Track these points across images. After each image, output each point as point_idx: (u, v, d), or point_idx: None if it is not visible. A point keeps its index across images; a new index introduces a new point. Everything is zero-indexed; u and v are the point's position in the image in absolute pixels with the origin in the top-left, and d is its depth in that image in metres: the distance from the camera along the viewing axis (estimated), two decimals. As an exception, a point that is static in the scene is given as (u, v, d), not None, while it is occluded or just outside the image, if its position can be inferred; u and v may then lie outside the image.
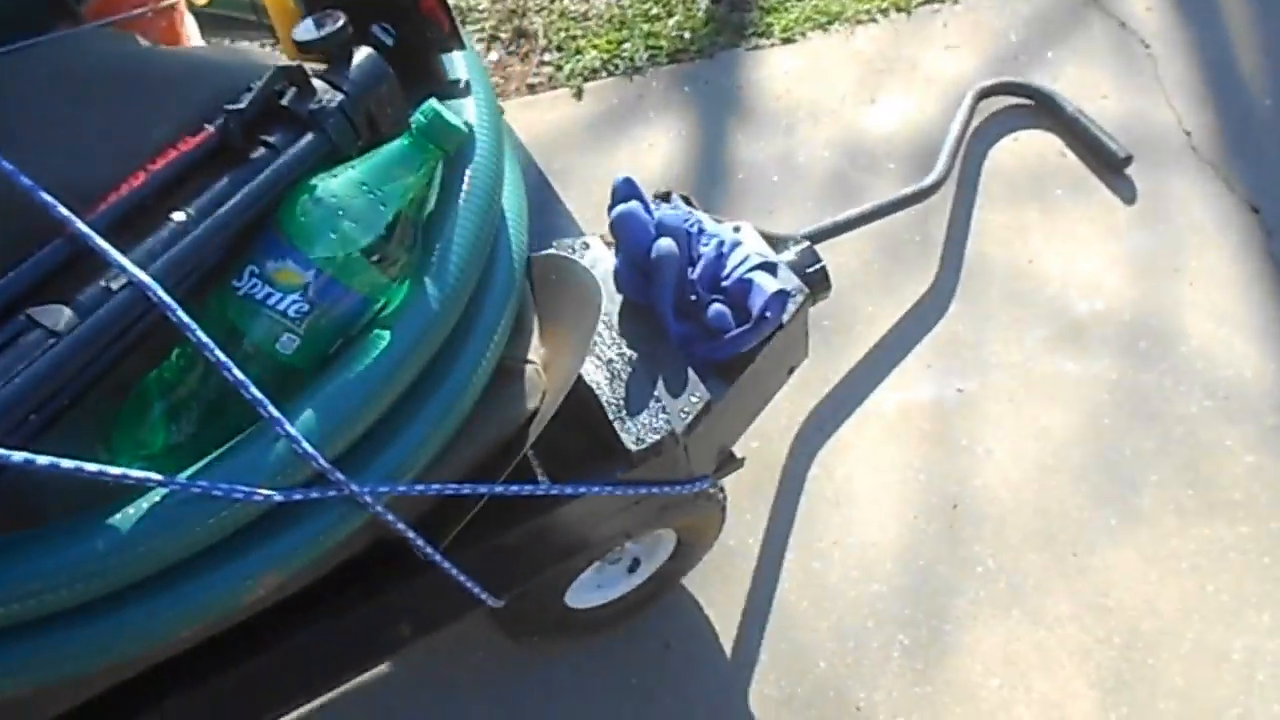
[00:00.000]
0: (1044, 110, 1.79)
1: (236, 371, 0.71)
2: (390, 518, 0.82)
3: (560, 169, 1.78)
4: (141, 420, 0.78)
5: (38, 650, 0.69)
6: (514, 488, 0.89)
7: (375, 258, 0.76)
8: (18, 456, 0.63)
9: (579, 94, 1.89)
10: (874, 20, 1.94)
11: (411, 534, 0.85)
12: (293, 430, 0.72)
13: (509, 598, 1.05)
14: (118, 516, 0.69)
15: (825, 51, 1.91)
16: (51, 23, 0.80)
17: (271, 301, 0.75)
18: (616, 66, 1.91)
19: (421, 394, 0.84)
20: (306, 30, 0.81)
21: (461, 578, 0.94)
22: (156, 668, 0.81)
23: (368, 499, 0.78)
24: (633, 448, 0.95)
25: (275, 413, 0.72)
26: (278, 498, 0.73)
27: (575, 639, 1.32)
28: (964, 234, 1.68)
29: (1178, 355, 1.55)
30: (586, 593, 1.28)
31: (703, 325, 0.99)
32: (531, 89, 1.92)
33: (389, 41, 0.88)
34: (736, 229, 1.10)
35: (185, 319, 0.69)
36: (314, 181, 0.76)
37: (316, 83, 0.79)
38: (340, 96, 0.78)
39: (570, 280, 1.01)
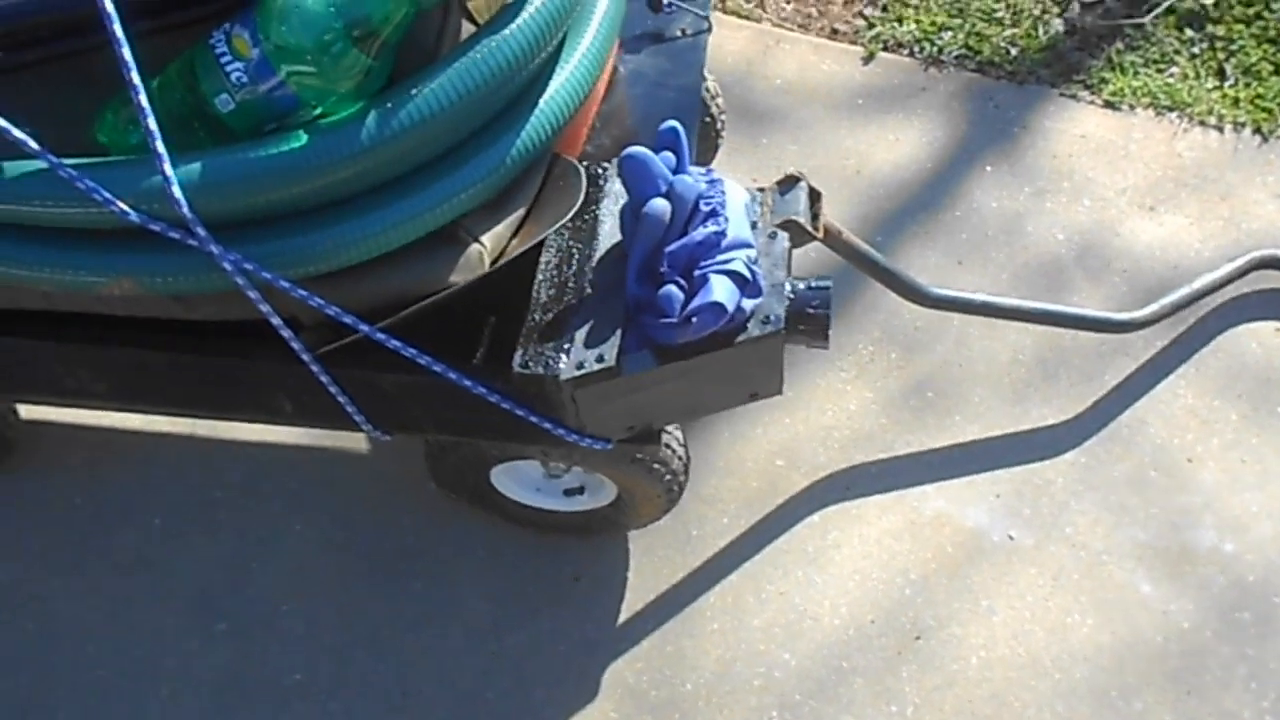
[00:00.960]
0: (1337, 318, 1.46)
1: (143, 98, 0.78)
2: (253, 294, 0.88)
3: (787, 115, 1.71)
4: (120, 110, 0.89)
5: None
6: (380, 337, 0.93)
7: (310, 66, 0.80)
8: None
9: (869, 58, 1.78)
10: (1219, 129, 1.65)
11: (274, 319, 0.91)
12: (169, 170, 0.80)
13: (390, 434, 1.11)
14: (6, 165, 0.80)
15: (1142, 135, 1.65)
16: None
17: (224, 61, 0.82)
18: (923, 49, 1.77)
19: (338, 211, 0.89)
20: None
21: (329, 386, 1.00)
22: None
23: (226, 264, 0.85)
24: (515, 366, 0.95)
25: (161, 149, 0.79)
26: (133, 217, 0.81)
27: (491, 519, 1.36)
28: (1139, 391, 1.44)
29: (1275, 649, 1.27)
30: (520, 487, 1.31)
31: (653, 299, 0.95)
32: (834, 34, 1.83)
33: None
34: (772, 235, 1.03)
35: (119, 35, 0.77)
36: (301, -26, 0.80)
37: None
38: (370, -87, 0.81)
39: (570, 187, 1.00)
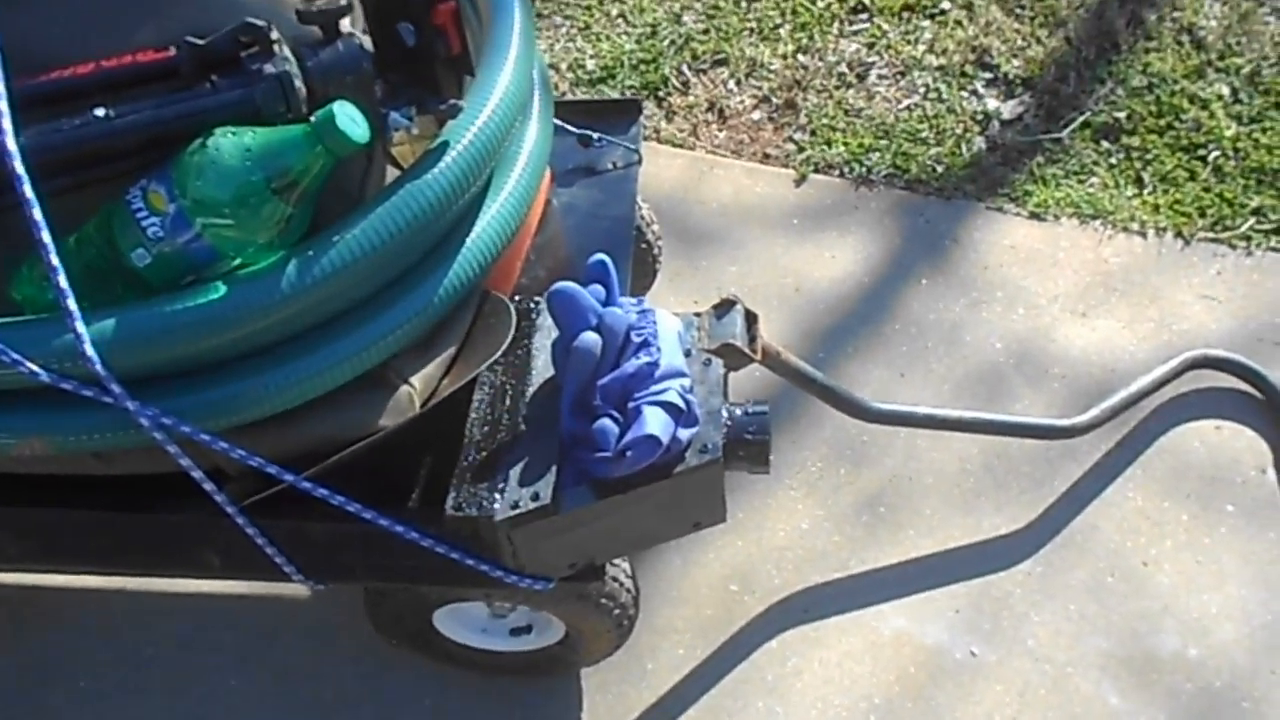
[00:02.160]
0: (1271, 412, 1.48)
1: (54, 257, 0.77)
2: (172, 449, 0.86)
3: (725, 237, 1.73)
4: (36, 268, 0.88)
5: None
6: (307, 486, 0.90)
7: (227, 219, 0.79)
8: None
9: (801, 180, 1.83)
10: (1142, 234, 1.69)
11: (195, 473, 0.89)
12: (80, 328, 0.78)
13: (324, 583, 1.07)
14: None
15: (1068, 245, 1.70)
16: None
17: (140, 216, 0.81)
18: (852, 169, 1.82)
19: (259, 360, 0.87)
20: (309, 1, 0.85)
21: (256, 538, 0.96)
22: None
23: (143, 420, 0.83)
24: (448, 509, 0.93)
25: (72, 306, 0.78)
26: (44, 377, 0.79)
27: (437, 663, 1.31)
28: (1088, 496, 1.43)
29: (1262, 761, 1.24)
30: (465, 629, 1.26)
31: (587, 433, 0.93)
32: (766, 158, 1.88)
33: (409, 41, 0.90)
34: (707, 362, 1.02)
35: (29, 195, 0.76)
36: (216, 131, 0.80)
37: (284, 49, 0.84)
38: (287, 69, 0.82)
39: (500, 324, 0.99)
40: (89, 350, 0.78)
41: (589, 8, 2.10)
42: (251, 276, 0.83)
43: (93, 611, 1.40)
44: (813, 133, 1.89)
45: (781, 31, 2.06)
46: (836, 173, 1.83)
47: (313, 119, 0.79)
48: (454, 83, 0.93)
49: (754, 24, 2.08)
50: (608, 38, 2.05)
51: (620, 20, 2.08)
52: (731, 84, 1.99)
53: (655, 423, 0.91)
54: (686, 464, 0.95)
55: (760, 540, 1.43)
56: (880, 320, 1.64)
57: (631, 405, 0.94)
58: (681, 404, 0.94)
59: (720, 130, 1.93)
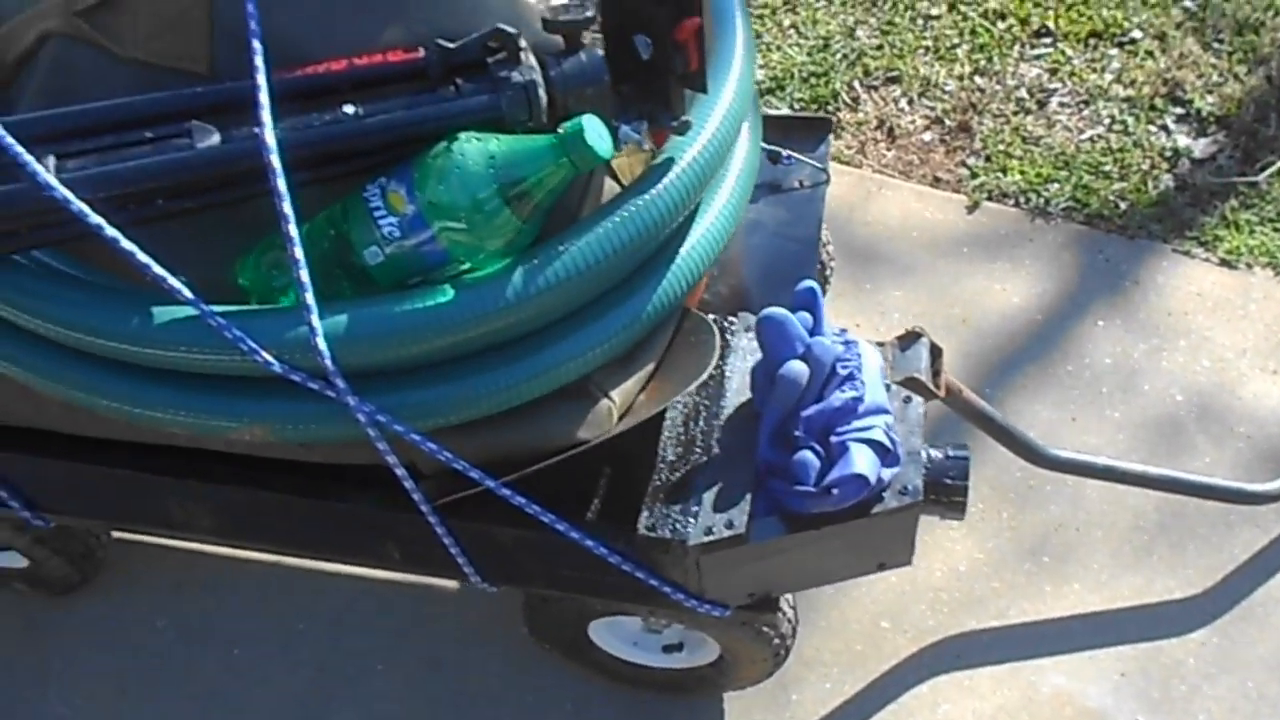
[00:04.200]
0: None
1: (299, 251, 0.78)
2: (381, 446, 0.86)
3: (891, 260, 1.69)
4: (265, 253, 0.89)
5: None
6: (505, 492, 0.90)
7: (464, 224, 0.79)
8: (109, 231, 0.75)
9: (974, 207, 1.77)
10: (1346, 292, 1.59)
11: (399, 470, 0.89)
12: (316, 323, 0.79)
13: (499, 586, 1.07)
14: (162, 311, 0.80)
15: (1261, 296, 1.60)
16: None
17: (377, 214, 0.82)
18: (1028, 199, 1.76)
19: (472, 364, 0.87)
20: (554, 10, 0.85)
21: (444, 537, 0.97)
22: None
23: (360, 416, 0.83)
24: (641, 529, 0.91)
25: (311, 301, 0.79)
26: (276, 368, 0.80)
27: (582, 671, 1.30)
28: (1271, 567, 1.35)
29: None
30: (618, 640, 1.25)
31: (786, 465, 0.91)
32: (936, 181, 1.82)
33: (644, 54, 0.89)
34: (907, 399, 0.99)
35: (281, 189, 0.77)
36: (460, 135, 0.80)
37: (529, 57, 0.83)
38: (532, 78, 0.81)
39: (702, 346, 0.98)
40: (322, 346, 0.79)
41: (761, 17, 2.07)
42: (479, 283, 0.83)
43: (247, 583, 1.43)
44: (987, 158, 1.83)
45: (958, 51, 1.99)
46: (1011, 202, 1.77)
47: (560, 131, 0.79)
48: (682, 97, 0.92)
49: (930, 42, 2.02)
50: (779, 48, 2.01)
51: (792, 31, 2.04)
52: (903, 103, 1.94)
53: (863, 462, 0.88)
54: (885, 505, 0.92)
55: (915, 578, 1.39)
56: (1052, 359, 1.57)
57: (835, 440, 0.91)
58: (887, 443, 0.91)
59: (889, 149, 1.88)
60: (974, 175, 1.81)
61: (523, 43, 0.82)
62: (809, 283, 0.97)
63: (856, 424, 0.92)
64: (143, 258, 0.77)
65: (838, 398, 0.93)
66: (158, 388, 0.85)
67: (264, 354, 0.79)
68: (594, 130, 0.78)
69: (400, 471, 0.89)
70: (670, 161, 0.90)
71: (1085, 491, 1.44)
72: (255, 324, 0.80)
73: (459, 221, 0.80)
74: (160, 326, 0.80)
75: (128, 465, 1.03)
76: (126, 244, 0.76)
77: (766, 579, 1.00)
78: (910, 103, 1.94)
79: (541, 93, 0.82)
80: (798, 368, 0.92)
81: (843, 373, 0.94)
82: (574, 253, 0.84)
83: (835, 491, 0.87)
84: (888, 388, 0.99)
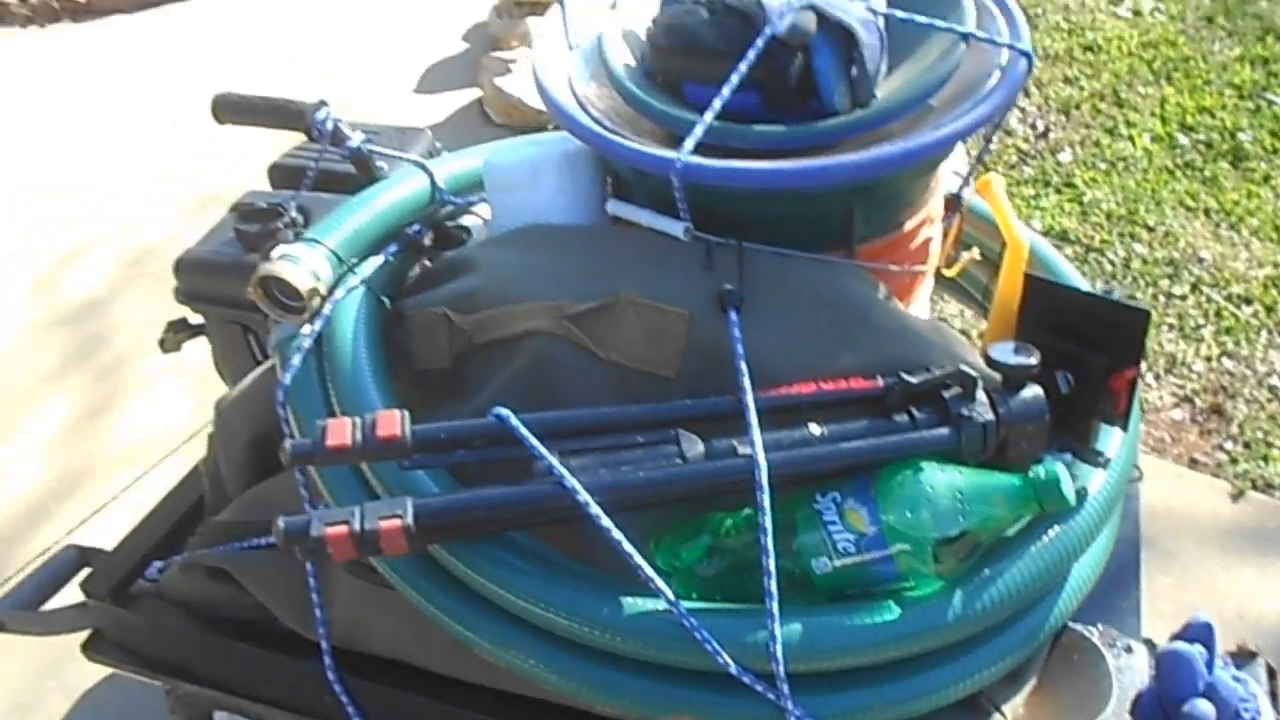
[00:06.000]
0: None
1: (771, 563, 0.84)
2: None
3: (1153, 542, 1.68)
4: (687, 540, 0.95)
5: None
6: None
7: (922, 549, 0.84)
8: (613, 531, 0.82)
9: (1239, 495, 1.76)
10: None
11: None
12: (778, 630, 0.83)
13: None
14: (631, 602, 0.86)
15: None
16: (824, 248, 1.01)
17: (832, 528, 0.87)
18: (1296, 494, 1.75)
19: (888, 673, 0.90)
20: (1001, 352, 0.91)
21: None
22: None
23: (792, 718, 0.86)
24: None
25: (776, 610, 0.83)
26: (732, 669, 0.84)
27: None
28: None
29: None
30: None
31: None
32: (1193, 463, 1.83)
33: (1063, 389, 0.95)
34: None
35: (766, 505, 0.84)
36: (923, 464, 0.86)
37: (979, 393, 0.90)
38: (991, 417, 0.88)
39: (1087, 669, 0.99)
40: (779, 654, 0.83)
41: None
42: (922, 602, 0.87)
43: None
44: (1246, 445, 1.84)
45: (1204, 333, 2.04)
46: (1278, 493, 1.76)
47: (1032, 474, 0.84)
48: (1099, 431, 0.97)
49: (1173, 320, 2.07)
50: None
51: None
52: (1149, 378, 1.98)
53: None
54: None
55: None
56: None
57: (1242, 789, 0.90)
58: (1300, 799, 0.90)
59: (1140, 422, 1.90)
60: (1234, 461, 1.81)
61: (981, 383, 0.89)
62: (1205, 616, 0.98)
63: (1262, 773, 0.91)
64: (629, 549, 0.83)
65: (1243, 744, 0.92)
66: (598, 667, 0.89)
67: (724, 655, 0.84)
68: (1066, 477, 0.83)
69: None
70: (1084, 490, 0.94)
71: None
72: (717, 624, 0.85)
73: (919, 546, 0.84)
74: (630, 616, 0.85)
75: (495, 713, 1.07)
76: (626, 544, 0.82)
77: None
78: (1156, 378, 1.98)
79: (997, 431, 0.87)
80: (1205, 709, 0.92)
81: (1246, 717, 0.94)
82: (1008, 577, 0.88)
83: None
84: (1273, 728, 0.98)
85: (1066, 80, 3.21)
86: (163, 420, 2.30)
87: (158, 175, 3.29)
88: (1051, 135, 2.98)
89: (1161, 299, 2.09)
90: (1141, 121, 2.99)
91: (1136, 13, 3.53)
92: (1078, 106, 3.09)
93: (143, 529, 1.32)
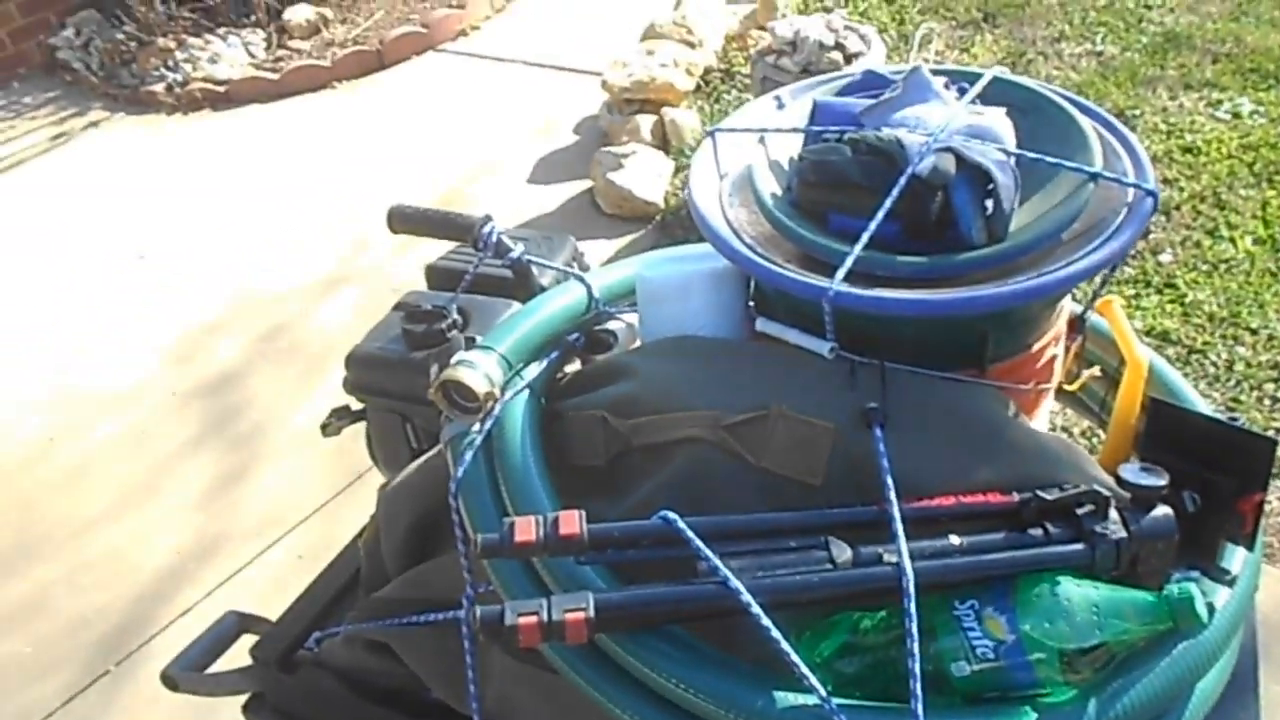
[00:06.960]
0: None
1: (917, 665, 0.90)
2: None
3: (1272, 653, 1.67)
4: (825, 637, 1.02)
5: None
6: None
7: (1060, 659, 0.90)
8: (774, 632, 0.89)
9: (1354, 609, 1.76)
10: None
11: None
12: (924, 729, 0.89)
13: None
14: (781, 696, 0.93)
15: None
16: (958, 367, 1.09)
17: (971, 634, 0.93)
18: None
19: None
20: (1131, 473, 0.98)
21: None
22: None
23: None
24: None
25: (920, 710, 0.90)
26: (877, 770, 0.90)
27: None
28: None
29: None
30: None
31: None
32: (1304, 572, 1.83)
33: (1190, 508, 1.00)
34: None
35: (913, 611, 0.90)
36: (1060, 578, 0.92)
37: (1112, 511, 0.96)
38: (1123, 534, 0.94)
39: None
40: (922, 755, 0.89)
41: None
42: (1057, 707, 0.92)
43: None
44: (1361, 558, 1.83)
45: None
46: (1397, 610, 1.75)
47: (1167, 592, 0.89)
48: (1224, 548, 1.02)
49: (1279, 424, 2.08)
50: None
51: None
52: None
53: None
54: None
55: None
56: None
57: None
58: None
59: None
60: (1349, 574, 1.81)
61: (1114, 502, 0.95)
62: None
63: None
64: (786, 647, 0.91)
65: None
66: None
67: (867, 756, 0.90)
68: (1199, 597, 0.88)
69: None
70: (1212, 607, 0.99)
71: None
72: (865, 719, 0.91)
73: (1053, 655, 0.90)
74: (783, 710, 0.92)
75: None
76: (784, 643, 0.90)
77: None
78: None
79: (1129, 549, 0.93)
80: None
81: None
82: (1140, 688, 0.93)
83: None
84: None
85: (1166, 181, 3.24)
86: (293, 490, 2.44)
87: (287, 255, 3.52)
88: (1152, 236, 3.02)
89: (1267, 403, 2.10)
90: (1243, 224, 3.01)
91: (1235, 115, 3.56)
92: (1178, 208, 3.13)
93: (305, 600, 1.43)
